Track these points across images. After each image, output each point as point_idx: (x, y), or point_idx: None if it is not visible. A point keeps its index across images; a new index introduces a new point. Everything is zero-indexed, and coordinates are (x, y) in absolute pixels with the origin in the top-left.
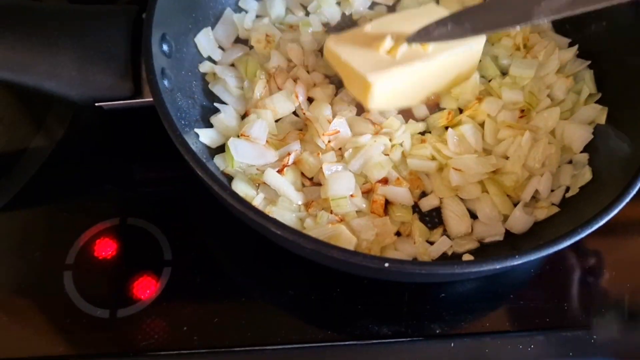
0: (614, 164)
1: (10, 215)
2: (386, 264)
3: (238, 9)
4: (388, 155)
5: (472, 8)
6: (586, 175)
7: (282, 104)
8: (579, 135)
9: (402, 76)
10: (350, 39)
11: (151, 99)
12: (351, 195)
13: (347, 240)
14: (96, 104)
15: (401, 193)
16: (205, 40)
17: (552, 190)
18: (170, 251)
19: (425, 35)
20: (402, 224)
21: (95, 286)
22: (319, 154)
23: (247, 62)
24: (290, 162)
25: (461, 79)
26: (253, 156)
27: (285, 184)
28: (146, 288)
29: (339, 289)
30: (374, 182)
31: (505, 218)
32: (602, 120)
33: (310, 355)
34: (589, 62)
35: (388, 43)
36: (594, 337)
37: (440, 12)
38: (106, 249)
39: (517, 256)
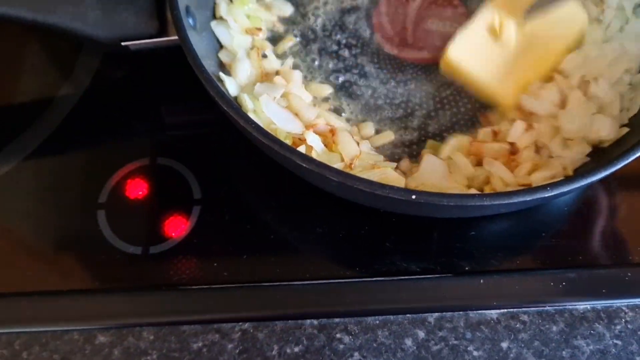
0: None
1: (44, 158)
2: (413, 196)
3: None
4: None
5: None
6: None
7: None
8: (632, 51)
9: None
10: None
11: (176, 37)
12: None
13: (396, 180)
14: (122, 44)
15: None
16: None
17: None
18: (200, 190)
19: (536, 8)
20: None
21: (127, 224)
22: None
23: (249, 14)
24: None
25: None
26: (281, 119)
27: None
28: (177, 226)
29: (367, 226)
30: None
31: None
32: None
33: (338, 290)
34: None
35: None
36: (628, 274)
37: None
38: (137, 188)
39: (548, 188)
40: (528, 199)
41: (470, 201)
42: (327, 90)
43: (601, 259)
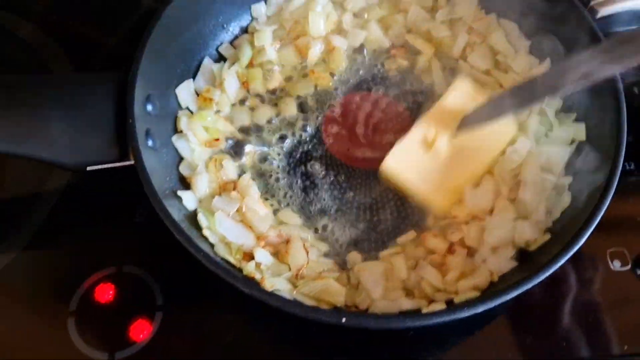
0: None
1: (18, 268)
2: (343, 319)
3: (218, 59)
4: None
5: (509, 89)
6: (565, 200)
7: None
8: (556, 156)
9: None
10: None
11: None
12: None
13: (337, 292)
14: (88, 169)
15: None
16: (186, 92)
17: None
18: (162, 297)
19: (468, 123)
20: None
21: (95, 331)
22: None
23: (208, 126)
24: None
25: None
26: (234, 234)
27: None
28: (141, 331)
29: (314, 330)
30: None
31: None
32: (582, 137)
33: None
34: None
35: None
36: None
37: (467, 86)
38: (105, 295)
39: (465, 308)
40: (446, 319)
41: (392, 323)
42: (297, 220)
43: (528, 355)
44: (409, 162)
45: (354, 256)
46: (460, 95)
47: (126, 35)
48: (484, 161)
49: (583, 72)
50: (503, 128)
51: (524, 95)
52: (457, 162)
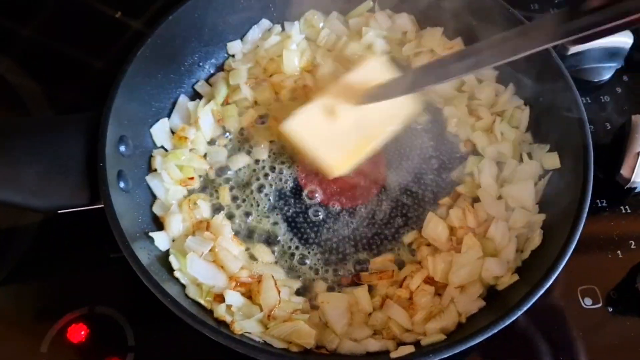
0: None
1: None
2: None
3: (194, 96)
4: None
5: (416, 68)
6: (536, 239)
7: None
8: (527, 191)
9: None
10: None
11: None
12: None
13: (307, 334)
14: (59, 212)
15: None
16: (161, 131)
17: None
18: (134, 337)
19: (373, 96)
20: None
21: None
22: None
23: (182, 165)
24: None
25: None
26: (205, 276)
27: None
28: None
29: None
30: None
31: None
32: (557, 164)
33: None
34: (522, 102)
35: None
36: None
37: (381, 63)
38: (77, 336)
39: (431, 355)
40: None
41: None
42: (270, 257)
43: None
44: (309, 125)
45: (320, 285)
46: (371, 70)
47: (106, 67)
48: (384, 131)
49: (494, 53)
50: (403, 102)
51: (433, 73)
52: (356, 130)
